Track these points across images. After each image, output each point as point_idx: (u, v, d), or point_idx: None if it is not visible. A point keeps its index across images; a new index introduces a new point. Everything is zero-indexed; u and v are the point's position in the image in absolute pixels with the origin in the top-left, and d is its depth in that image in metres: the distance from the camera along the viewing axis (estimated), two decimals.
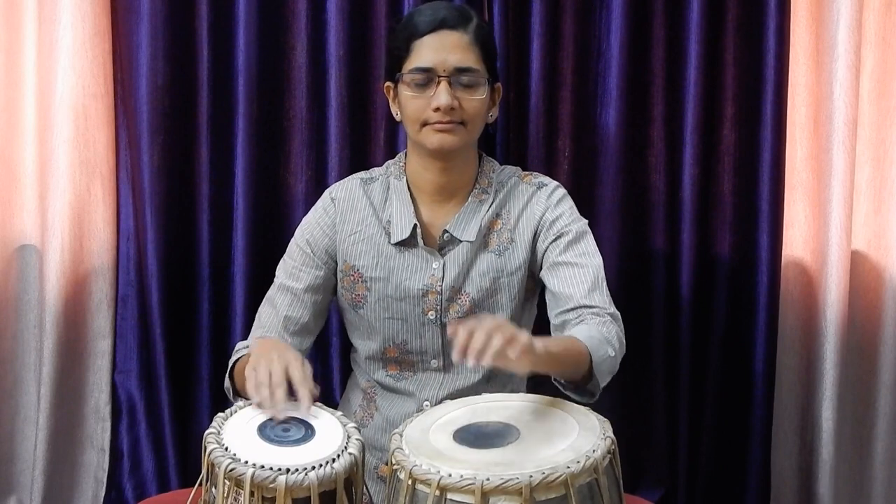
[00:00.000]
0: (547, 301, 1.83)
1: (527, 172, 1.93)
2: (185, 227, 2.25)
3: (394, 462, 1.39)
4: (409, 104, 1.78)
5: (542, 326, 1.87)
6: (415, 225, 1.83)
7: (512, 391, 1.81)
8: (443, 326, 1.84)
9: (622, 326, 1.75)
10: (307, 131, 2.23)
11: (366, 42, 2.22)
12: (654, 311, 2.30)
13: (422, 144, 1.80)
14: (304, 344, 1.87)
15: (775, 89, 2.26)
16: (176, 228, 2.24)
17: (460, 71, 1.75)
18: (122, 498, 2.29)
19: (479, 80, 1.77)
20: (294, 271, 1.87)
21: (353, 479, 1.44)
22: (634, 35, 2.23)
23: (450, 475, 1.31)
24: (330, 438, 1.46)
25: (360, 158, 2.21)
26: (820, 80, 2.27)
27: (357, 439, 1.47)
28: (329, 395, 2.21)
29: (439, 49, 1.75)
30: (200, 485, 1.46)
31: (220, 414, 1.51)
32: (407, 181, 1.87)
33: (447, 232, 1.83)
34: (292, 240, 1.91)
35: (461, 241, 1.83)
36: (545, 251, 1.83)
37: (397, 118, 1.85)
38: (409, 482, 1.34)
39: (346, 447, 1.45)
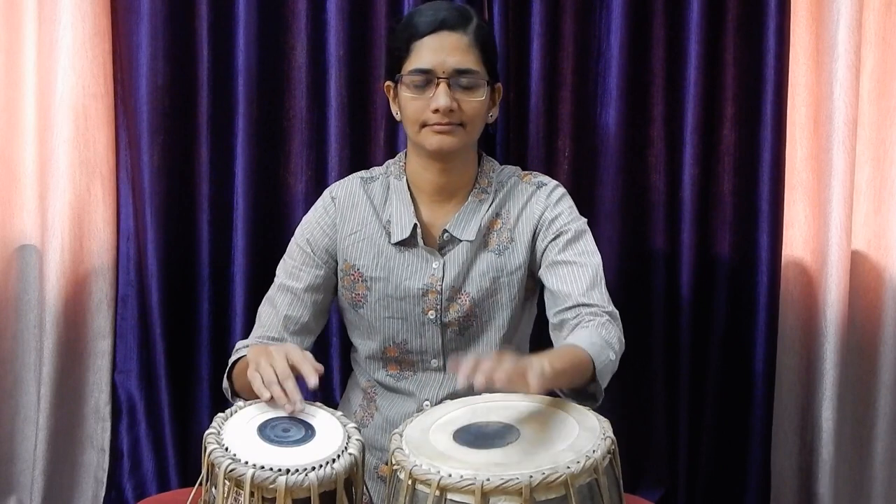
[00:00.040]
0: (545, 300, 1.83)
1: (526, 172, 1.93)
2: (185, 227, 2.25)
3: (394, 462, 1.39)
4: (409, 105, 1.78)
5: (542, 326, 1.87)
6: (415, 225, 1.83)
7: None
8: (443, 326, 1.84)
9: (621, 325, 1.75)
10: (307, 131, 2.23)
11: (366, 42, 2.22)
12: (654, 311, 2.30)
13: (421, 145, 1.80)
14: (305, 343, 1.87)
15: (775, 89, 2.26)
16: (176, 228, 2.24)
17: (459, 73, 1.75)
18: (122, 498, 2.29)
19: (479, 81, 1.77)
20: (294, 271, 1.87)
21: (353, 479, 1.44)
22: (634, 35, 2.23)
23: (450, 475, 1.31)
24: (330, 439, 1.46)
25: (360, 158, 2.21)
26: (820, 80, 2.27)
27: (357, 439, 1.47)
28: (329, 395, 2.21)
29: (438, 50, 1.75)
30: (200, 485, 1.46)
31: (220, 414, 1.50)
32: (407, 181, 1.87)
33: (447, 232, 1.83)
34: (292, 239, 1.91)
35: (461, 241, 1.83)
36: (544, 250, 1.83)
37: (397, 117, 1.85)
38: (409, 482, 1.34)
39: (346, 447, 1.45)
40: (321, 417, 1.52)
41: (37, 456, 2.24)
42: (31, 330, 2.31)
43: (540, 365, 1.40)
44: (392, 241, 1.84)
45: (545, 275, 1.82)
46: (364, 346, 1.90)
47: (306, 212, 1.95)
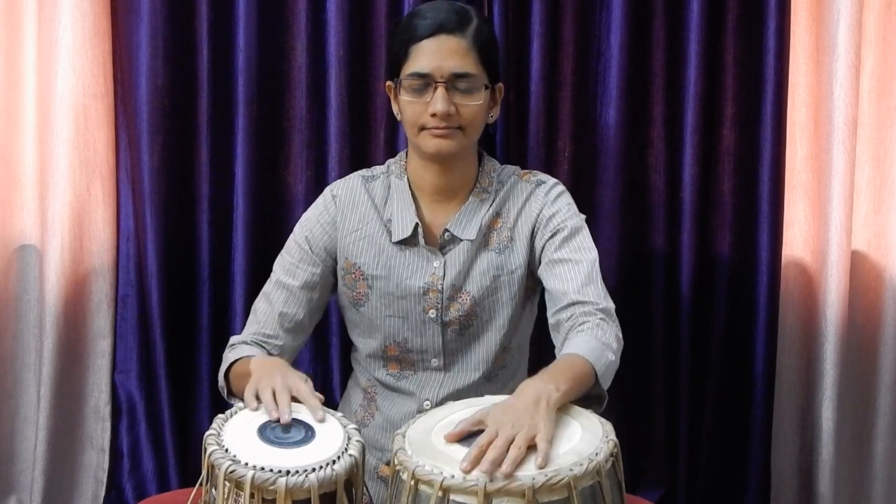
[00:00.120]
0: (546, 301, 1.83)
1: (526, 171, 1.93)
2: (185, 227, 2.25)
3: (396, 462, 1.39)
4: (407, 108, 1.78)
5: (542, 326, 1.87)
6: (416, 224, 1.83)
7: (513, 392, 1.81)
8: (443, 325, 1.84)
9: (616, 321, 1.74)
10: (307, 131, 2.23)
11: (366, 42, 2.22)
12: (654, 311, 2.31)
13: (420, 148, 1.80)
14: (298, 341, 1.88)
15: (775, 89, 2.26)
16: (176, 228, 2.24)
17: (457, 77, 1.74)
18: (122, 498, 2.29)
19: (477, 85, 1.76)
20: (291, 268, 1.87)
21: (353, 480, 1.44)
22: (634, 35, 2.23)
23: (453, 476, 1.31)
24: (330, 440, 1.46)
25: (360, 158, 2.21)
26: (820, 80, 2.27)
27: (357, 441, 1.47)
28: (329, 395, 2.20)
29: (436, 55, 1.73)
30: (201, 486, 1.46)
31: (220, 415, 1.51)
32: (408, 180, 1.87)
33: (448, 231, 1.83)
34: (291, 236, 1.91)
35: (462, 240, 1.83)
36: (542, 248, 1.83)
37: (398, 117, 1.84)
38: (412, 483, 1.34)
39: (346, 448, 1.45)
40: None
41: (37, 456, 2.24)
42: (31, 330, 2.31)
43: (546, 398, 1.43)
44: (393, 240, 1.84)
45: (543, 274, 1.82)
46: (365, 344, 1.90)
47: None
